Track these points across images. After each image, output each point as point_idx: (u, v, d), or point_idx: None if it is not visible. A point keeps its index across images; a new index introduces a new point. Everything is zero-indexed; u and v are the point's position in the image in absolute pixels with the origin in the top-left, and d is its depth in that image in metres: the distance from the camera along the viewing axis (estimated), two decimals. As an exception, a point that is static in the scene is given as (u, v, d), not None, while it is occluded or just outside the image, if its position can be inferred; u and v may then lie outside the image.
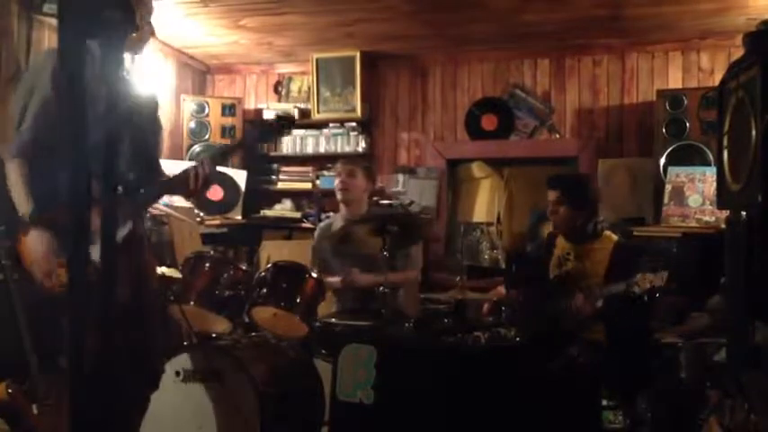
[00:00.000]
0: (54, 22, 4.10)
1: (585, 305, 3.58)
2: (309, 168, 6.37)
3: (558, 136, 5.92)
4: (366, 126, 6.31)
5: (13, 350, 3.00)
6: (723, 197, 3.04)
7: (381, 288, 3.76)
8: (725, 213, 3.13)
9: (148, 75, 5.45)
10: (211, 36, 5.60)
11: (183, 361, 3.29)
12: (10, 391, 2.95)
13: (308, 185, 6.32)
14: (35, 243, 2.51)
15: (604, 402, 3.42)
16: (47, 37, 4.45)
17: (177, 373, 3.29)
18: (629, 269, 3.52)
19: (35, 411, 2.97)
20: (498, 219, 6.25)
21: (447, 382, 3.07)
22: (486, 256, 6.13)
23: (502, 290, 4.20)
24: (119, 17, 1.00)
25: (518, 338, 3.51)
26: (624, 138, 5.79)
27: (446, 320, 4.26)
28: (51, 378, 3.02)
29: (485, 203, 6.32)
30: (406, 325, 3.90)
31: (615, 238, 3.91)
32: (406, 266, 4.34)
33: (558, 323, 3.68)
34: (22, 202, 2.53)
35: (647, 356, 3.73)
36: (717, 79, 4.09)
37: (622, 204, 5.36)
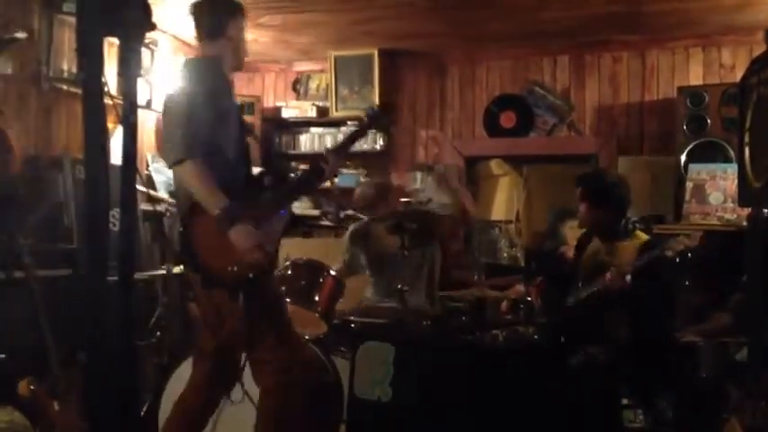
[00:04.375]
0: (74, 20, 4.14)
1: (615, 280, 3.50)
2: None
3: (577, 133, 5.89)
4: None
5: (35, 347, 3.04)
6: (744, 194, 3.01)
7: (399, 285, 3.76)
8: (746, 211, 3.10)
9: (168, 73, 5.48)
10: (230, 35, 5.62)
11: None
12: (32, 387, 2.99)
13: (327, 183, 6.31)
14: (243, 236, 2.56)
15: (624, 401, 3.39)
16: (67, 36, 4.48)
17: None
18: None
19: (56, 408, 3.01)
20: (517, 217, 6.22)
21: (465, 380, 3.07)
22: (504, 254, 6.11)
23: (520, 288, 4.18)
24: (137, 16, 1.00)
25: (536, 337, 3.50)
26: (644, 135, 5.75)
27: (464, 318, 4.26)
28: (72, 375, 3.05)
29: (503, 201, 6.29)
30: (424, 323, 3.90)
31: (646, 237, 3.85)
32: (424, 265, 4.34)
33: (578, 320, 3.65)
34: (212, 196, 2.57)
35: (668, 355, 3.70)
36: (738, 75, 4.04)
37: (642, 202, 5.31)
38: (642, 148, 5.73)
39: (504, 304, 4.14)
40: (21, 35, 2.19)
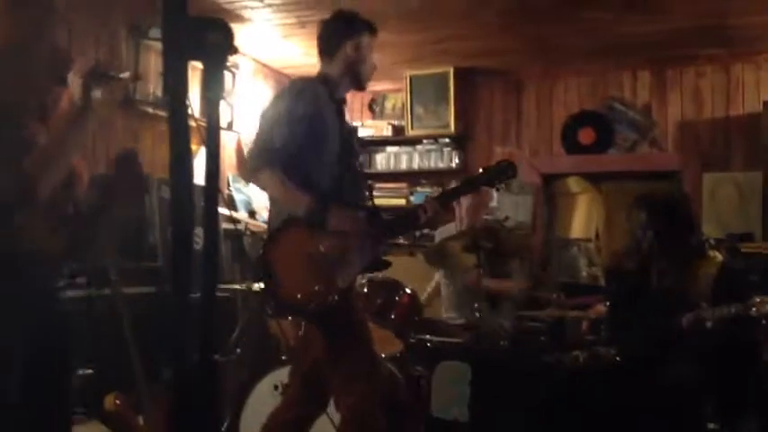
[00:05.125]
0: (159, 46, 4.28)
1: (695, 325, 3.40)
2: (403, 184, 6.39)
3: (659, 150, 5.74)
4: (460, 142, 6.29)
5: (121, 363, 3.12)
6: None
7: (476, 304, 3.73)
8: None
9: (249, 96, 5.61)
10: (308, 56, 5.71)
11: (281, 375, 3.34)
12: (117, 402, 3.06)
13: (402, 201, 6.34)
14: (342, 219, 2.59)
15: (710, 426, 3.26)
16: (153, 61, 4.65)
17: (276, 387, 3.35)
18: (739, 292, 3.34)
19: (141, 423, 3.07)
20: (597, 235, 6.09)
21: (544, 402, 3.01)
22: (583, 273, 5.98)
23: (601, 308, 4.08)
24: (219, 40, 1.03)
25: (618, 358, 3.40)
26: (730, 151, 5.56)
27: (543, 338, 4.18)
28: (156, 391, 3.12)
29: (582, 219, 6.17)
30: (502, 342, 3.85)
31: (720, 258, 3.72)
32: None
33: (660, 343, 3.54)
34: (295, 196, 2.60)
35: (756, 378, 3.54)
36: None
37: (729, 220, 5.14)
38: (728, 163, 5.54)
39: (585, 324, 4.04)
40: (124, 75, 2.28)
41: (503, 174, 2.92)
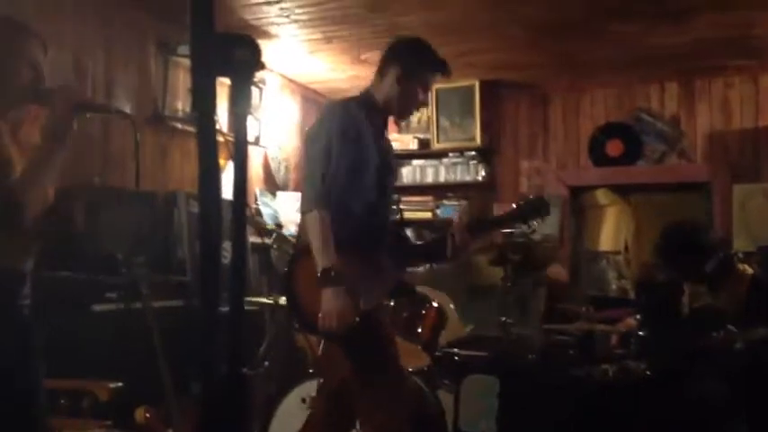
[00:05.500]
0: (188, 62, 4.33)
1: (725, 344, 3.36)
2: (429, 198, 6.39)
3: (689, 161, 5.69)
4: (486, 155, 6.28)
5: (151, 376, 3.15)
6: None
7: (504, 318, 3.71)
8: None
9: (276, 110, 5.65)
10: (334, 71, 5.75)
11: (309, 388, 3.35)
12: (147, 415, 3.09)
13: (428, 215, 6.33)
14: (330, 300, 2.54)
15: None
16: (181, 77, 4.71)
17: (303, 400, 3.35)
18: None
19: (170, 435, 3.10)
20: (626, 247, 6.04)
21: (572, 415, 2.98)
22: (613, 286, 5.93)
23: (630, 321, 4.04)
24: (247, 56, 1.04)
25: (648, 372, 3.37)
26: (760, 161, 5.49)
27: (571, 352, 4.15)
28: (186, 404, 3.14)
29: (611, 231, 6.13)
30: (530, 356, 3.82)
31: (750, 271, 3.67)
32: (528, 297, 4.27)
33: (691, 359, 3.49)
34: (324, 252, 2.57)
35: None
36: None
37: (760, 232, 5.07)
38: (758, 174, 5.47)
39: (614, 338, 4.00)
40: (112, 108, 2.36)
41: (536, 212, 2.85)
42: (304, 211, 2.66)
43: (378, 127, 2.85)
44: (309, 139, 2.78)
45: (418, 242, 2.97)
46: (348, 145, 2.66)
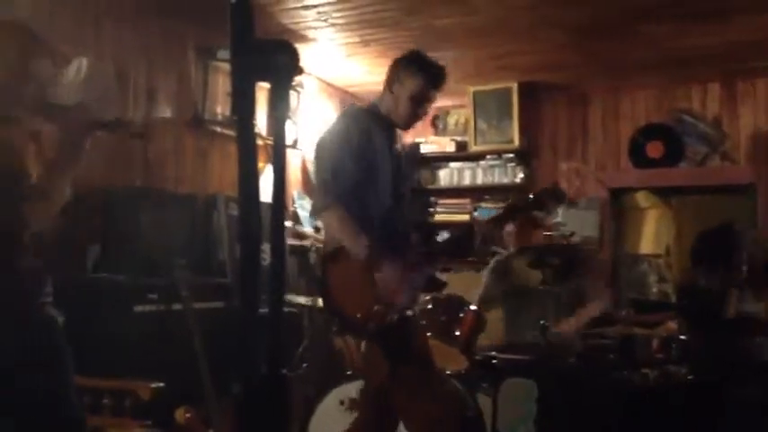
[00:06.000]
0: (227, 66, 4.39)
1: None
2: (467, 200, 6.37)
3: (732, 163, 5.58)
4: (523, 157, 6.25)
5: (191, 377, 3.18)
6: None
7: (543, 321, 3.68)
8: None
9: (313, 114, 5.69)
10: (371, 74, 5.77)
11: (347, 390, 3.36)
12: (188, 415, 3.13)
13: (466, 217, 6.31)
14: (391, 275, 2.60)
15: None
16: (221, 81, 4.76)
17: (341, 402, 3.36)
18: None
19: (210, 435, 3.13)
20: (667, 250, 5.95)
21: (612, 420, 2.95)
22: (654, 290, 5.84)
23: (672, 325, 3.98)
24: (286, 61, 1.05)
25: (690, 377, 3.31)
26: (806, 162, 5.38)
27: (611, 356, 4.10)
28: (226, 404, 3.17)
29: (652, 234, 6.04)
30: (570, 360, 3.78)
31: None
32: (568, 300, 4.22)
33: (733, 365, 3.43)
34: (356, 238, 2.62)
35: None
36: None
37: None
38: (804, 175, 5.36)
39: (655, 342, 3.94)
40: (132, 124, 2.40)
41: (551, 197, 2.89)
42: (319, 210, 2.72)
43: (388, 134, 2.90)
44: (320, 144, 2.84)
45: (445, 237, 2.99)
46: (358, 150, 2.73)
